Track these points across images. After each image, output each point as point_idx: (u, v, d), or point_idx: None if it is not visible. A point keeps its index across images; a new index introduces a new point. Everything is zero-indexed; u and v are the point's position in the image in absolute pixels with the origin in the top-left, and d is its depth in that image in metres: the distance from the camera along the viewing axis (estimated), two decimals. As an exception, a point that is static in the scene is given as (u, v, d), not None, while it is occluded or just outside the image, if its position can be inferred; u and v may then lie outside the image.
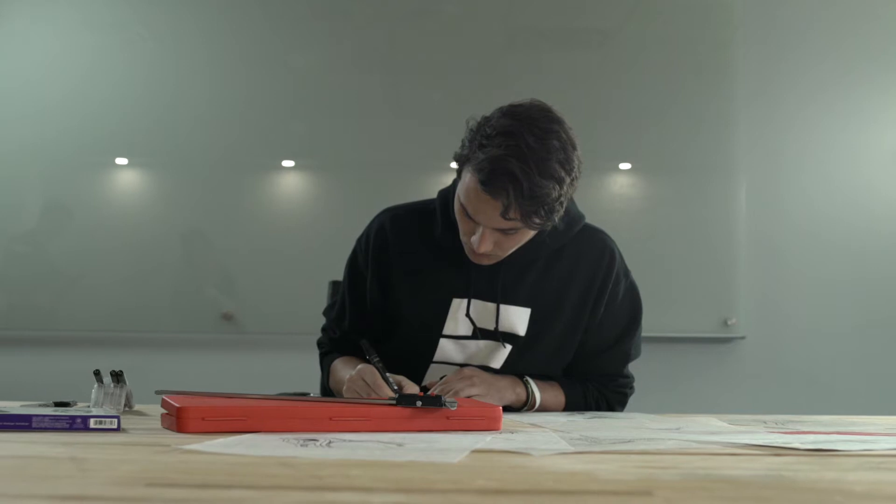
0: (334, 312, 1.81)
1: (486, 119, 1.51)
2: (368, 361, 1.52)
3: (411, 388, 1.49)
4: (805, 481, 0.76)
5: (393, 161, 3.24)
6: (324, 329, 1.85)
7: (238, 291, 3.24)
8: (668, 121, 3.26)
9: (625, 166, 3.28)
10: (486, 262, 1.60)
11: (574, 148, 1.50)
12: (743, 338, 3.22)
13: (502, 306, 1.65)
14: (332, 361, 1.76)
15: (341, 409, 1.14)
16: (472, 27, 3.30)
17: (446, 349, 1.66)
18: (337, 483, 0.71)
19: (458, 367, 1.65)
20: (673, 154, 3.27)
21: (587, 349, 1.72)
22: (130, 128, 3.28)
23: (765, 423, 1.39)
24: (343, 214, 3.10)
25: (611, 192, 3.26)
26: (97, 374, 1.35)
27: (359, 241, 1.79)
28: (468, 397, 1.52)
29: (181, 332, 3.19)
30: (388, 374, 1.47)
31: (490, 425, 1.19)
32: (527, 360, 1.67)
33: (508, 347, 1.66)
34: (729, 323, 3.19)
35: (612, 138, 3.27)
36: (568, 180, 1.49)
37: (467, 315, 1.65)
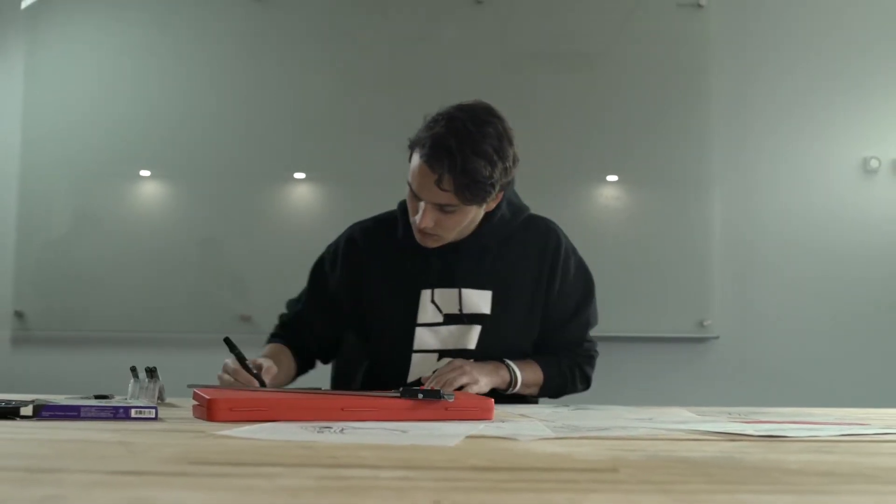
0: (293, 300, 1.92)
1: (439, 112, 1.63)
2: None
3: (269, 367, 1.57)
4: (750, 461, 0.83)
5: (395, 173, 3.26)
6: (280, 315, 1.94)
7: (251, 295, 3.29)
8: (650, 136, 3.32)
9: (612, 178, 3.35)
10: (431, 243, 1.69)
11: (510, 143, 1.62)
12: (717, 338, 3.28)
13: (465, 290, 1.73)
14: (268, 344, 1.86)
15: (352, 400, 1.22)
16: (469, 50, 3.36)
17: (423, 337, 1.74)
18: (350, 462, 0.77)
19: (437, 353, 1.73)
20: (655, 166, 3.32)
21: (552, 322, 1.81)
22: (153, 142, 3.34)
23: (729, 413, 1.46)
24: (349, 223, 3.15)
25: (599, 201, 3.33)
26: (133, 370, 1.41)
27: (328, 249, 1.89)
28: (461, 386, 1.59)
29: (199, 332, 3.23)
30: (247, 361, 1.53)
31: (483, 415, 1.26)
32: (496, 337, 1.75)
33: (478, 327, 1.73)
34: (704, 324, 3.26)
35: (600, 152, 3.33)
36: (500, 166, 1.59)
37: (432, 301, 1.73)
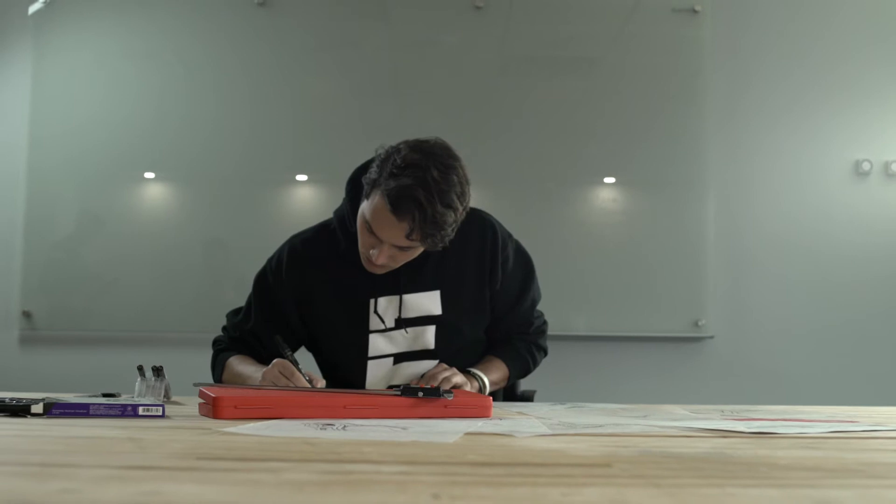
0: (240, 317, 1.86)
1: (396, 150, 1.60)
2: (282, 355, 1.56)
3: (320, 380, 1.56)
4: (740, 457, 0.84)
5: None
6: (224, 328, 1.90)
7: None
8: (647, 139, 3.34)
9: (609, 180, 3.36)
10: (379, 271, 1.69)
11: (467, 183, 1.61)
12: (712, 337, 3.30)
13: (412, 295, 1.74)
14: (228, 358, 1.80)
15: (354, 398, 1.23)
16: (469, 55, 3.38)
17: (377, 344, 1.75)
18: (353, 457, 0.79)
19: (392, 358, 1.74)
20: (652, 169, 3.34)
21: (500, 308, 1.83)
22: (157, 145, 3.35)
23: (722, 411, 1.48)
24: (351, 225, 3.17)
25: (596, 203, 3.35)
26: (140, 368, 1.43)
27: (269, 261, 1.86)
28: (455, 386, 1.61)
29: (203, 332, 3.23)
30: (300, 367, 1.53)
31: (481, 413, 1.28)
32: (451, 333, 1.76)
33: (432, 327, 1.74)
34: (699, 324, 3.27)
35: (597, 155, 3.35)
36: (461, 209, 1.60)
37: (375, 312, 1.73)
